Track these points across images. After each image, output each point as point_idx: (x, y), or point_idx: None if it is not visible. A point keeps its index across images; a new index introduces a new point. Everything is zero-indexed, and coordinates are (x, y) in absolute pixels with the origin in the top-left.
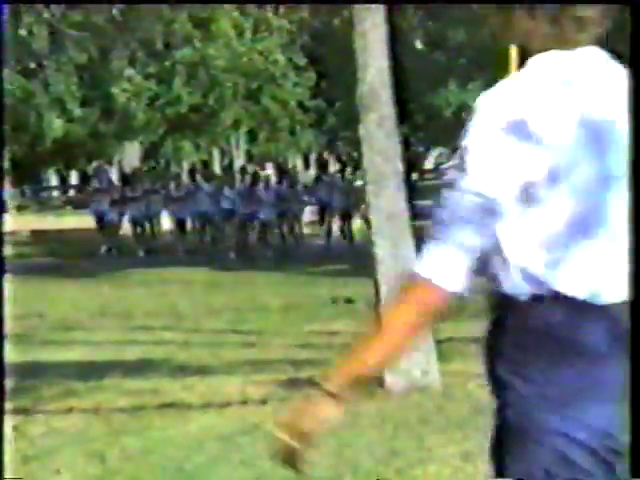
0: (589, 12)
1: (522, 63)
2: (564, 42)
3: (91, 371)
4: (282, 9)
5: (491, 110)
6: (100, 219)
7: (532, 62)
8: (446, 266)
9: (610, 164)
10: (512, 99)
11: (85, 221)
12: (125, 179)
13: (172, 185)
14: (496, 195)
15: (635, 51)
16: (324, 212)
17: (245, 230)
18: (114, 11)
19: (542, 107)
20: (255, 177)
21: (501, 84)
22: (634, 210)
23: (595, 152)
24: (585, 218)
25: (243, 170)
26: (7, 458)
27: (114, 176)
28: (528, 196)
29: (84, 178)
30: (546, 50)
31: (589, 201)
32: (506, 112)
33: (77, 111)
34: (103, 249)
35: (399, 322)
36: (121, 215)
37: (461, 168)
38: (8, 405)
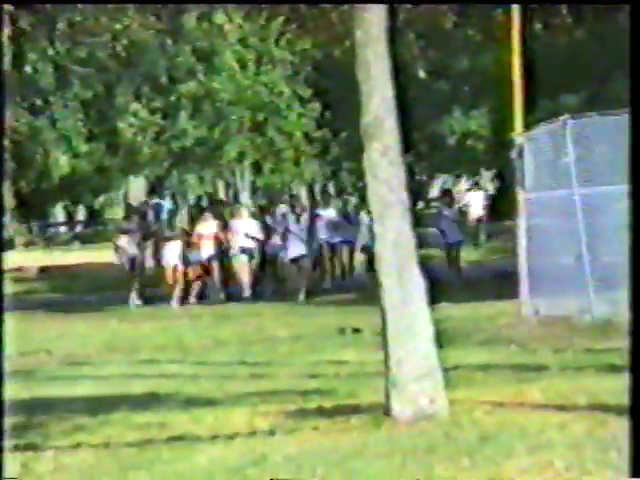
0: None
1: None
2: None
3: (99, 406)
4: (283, 41)
5: None
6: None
7: None
8: None
9: None
10: None
11: (92, 256)
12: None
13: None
14: None
15: (635, 51)
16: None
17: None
18: (117, 47)
19: None
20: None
21: None
22: (634, 211)
23: None
24: None
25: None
26: None
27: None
28: None
29: (91, 213)
30: None
31: None
32: None
33: (83, 147)
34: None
35: None
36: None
37: None
38: (17, 442)
